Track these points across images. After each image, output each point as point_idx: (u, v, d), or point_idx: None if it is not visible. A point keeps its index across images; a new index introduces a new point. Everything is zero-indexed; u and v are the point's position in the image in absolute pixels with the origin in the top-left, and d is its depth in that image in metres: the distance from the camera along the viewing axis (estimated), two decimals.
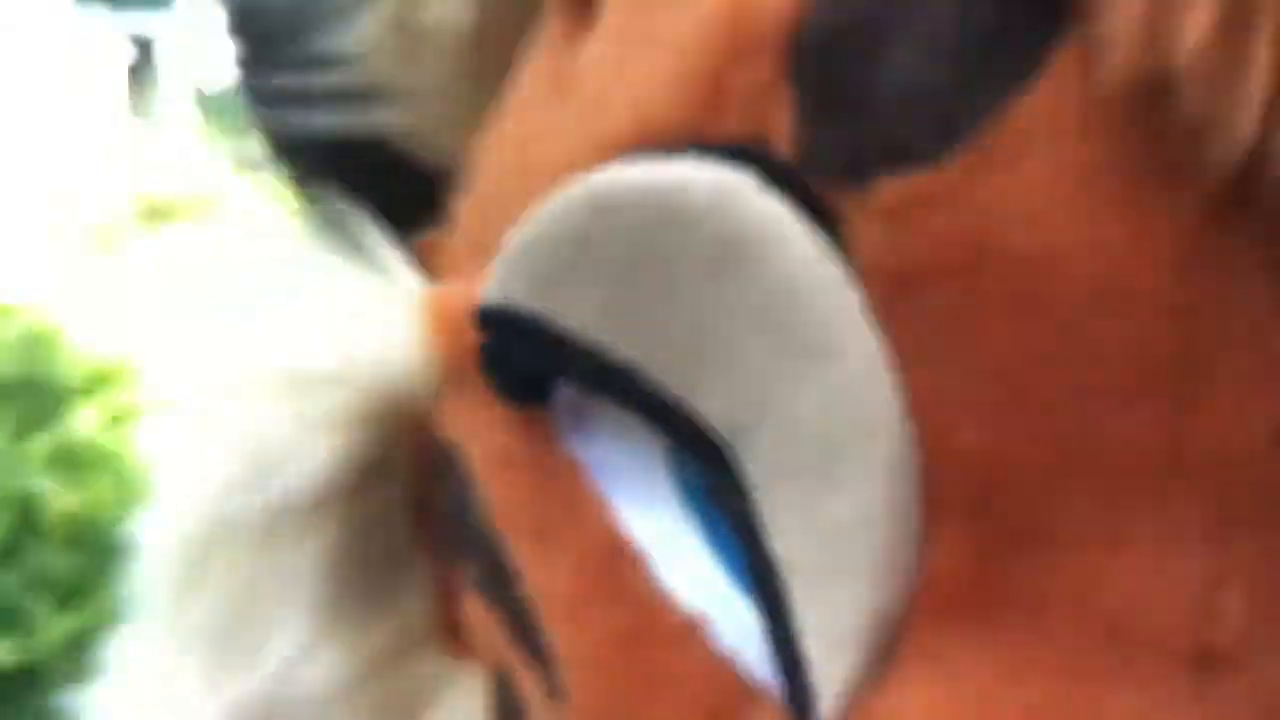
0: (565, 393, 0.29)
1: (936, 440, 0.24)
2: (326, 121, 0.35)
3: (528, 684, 0.30)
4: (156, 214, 14.97)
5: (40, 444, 3.79)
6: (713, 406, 0.25)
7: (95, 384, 4.38)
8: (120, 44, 18.48)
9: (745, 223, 0.24)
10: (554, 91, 0.30)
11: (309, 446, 0.32)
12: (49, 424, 3.84)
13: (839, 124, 0.25)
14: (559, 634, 0.28)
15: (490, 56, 0.33)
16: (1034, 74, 0.22)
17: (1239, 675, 0.22)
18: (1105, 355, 0.23)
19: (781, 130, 0.25)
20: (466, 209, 0.35)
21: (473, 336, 0.30)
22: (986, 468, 0.23)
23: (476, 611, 0.33)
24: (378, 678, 0.35)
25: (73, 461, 3.86)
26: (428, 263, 0.35)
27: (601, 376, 0.26)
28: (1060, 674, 0.23)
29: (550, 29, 0.31)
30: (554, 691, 0.29)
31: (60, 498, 3.95)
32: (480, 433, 0.31)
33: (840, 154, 0.25)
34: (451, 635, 0.35)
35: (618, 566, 0.27)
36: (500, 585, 0.30)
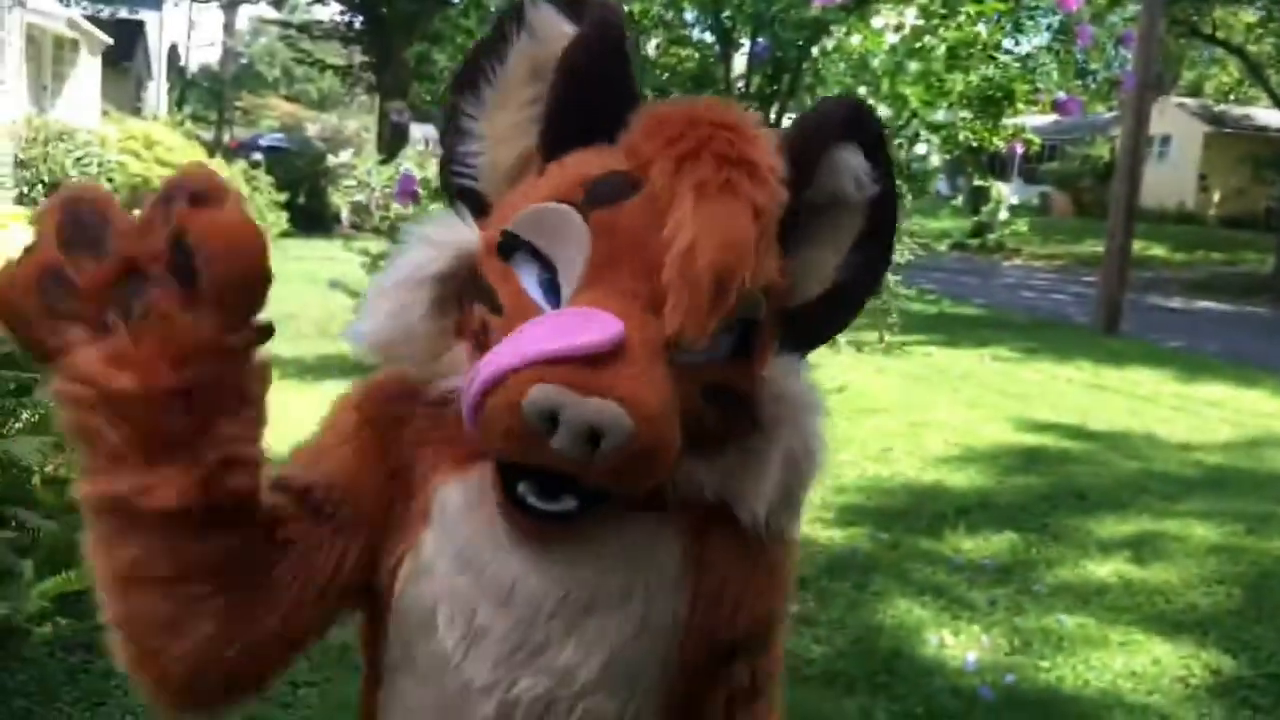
0: (518, 258, 1.00)
1: (596, 251, 0.97)
2: None
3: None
4: (139, 193, 14.70)
5: (26, 412, 3.74)
6: (556, 260, 0.99)
7: None
8: (99, 29, 18.18)
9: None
10: (528, 186, 1.05)
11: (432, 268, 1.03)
12: (35, 393, 3.78)
13: (600, 198, 0.99)
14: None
15: None
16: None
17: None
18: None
19: (578, 199, 0.99)
20: (497, 211, 1.06)
21: (494, 241, 1.02)
22: (604, 265, 0.97)
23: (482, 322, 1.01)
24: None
25: (58, 429, 3.82)
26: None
27: (543, 259, 0.99)
28: (620, 301, 0.93)
29: (528, 175, 1.06)
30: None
31: (45, 464, 3.91)
32: (489, 261, 1.02)
33: (601, 196, 0.99)
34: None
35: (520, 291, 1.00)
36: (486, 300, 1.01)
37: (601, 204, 0.97)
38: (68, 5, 17.75)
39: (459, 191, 1.10)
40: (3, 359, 3.67)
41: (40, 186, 12.20)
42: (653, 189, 0.96)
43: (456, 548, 1.00)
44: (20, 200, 10.84)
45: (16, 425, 3.72)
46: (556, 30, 1.05)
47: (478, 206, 1.07)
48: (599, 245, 0.96)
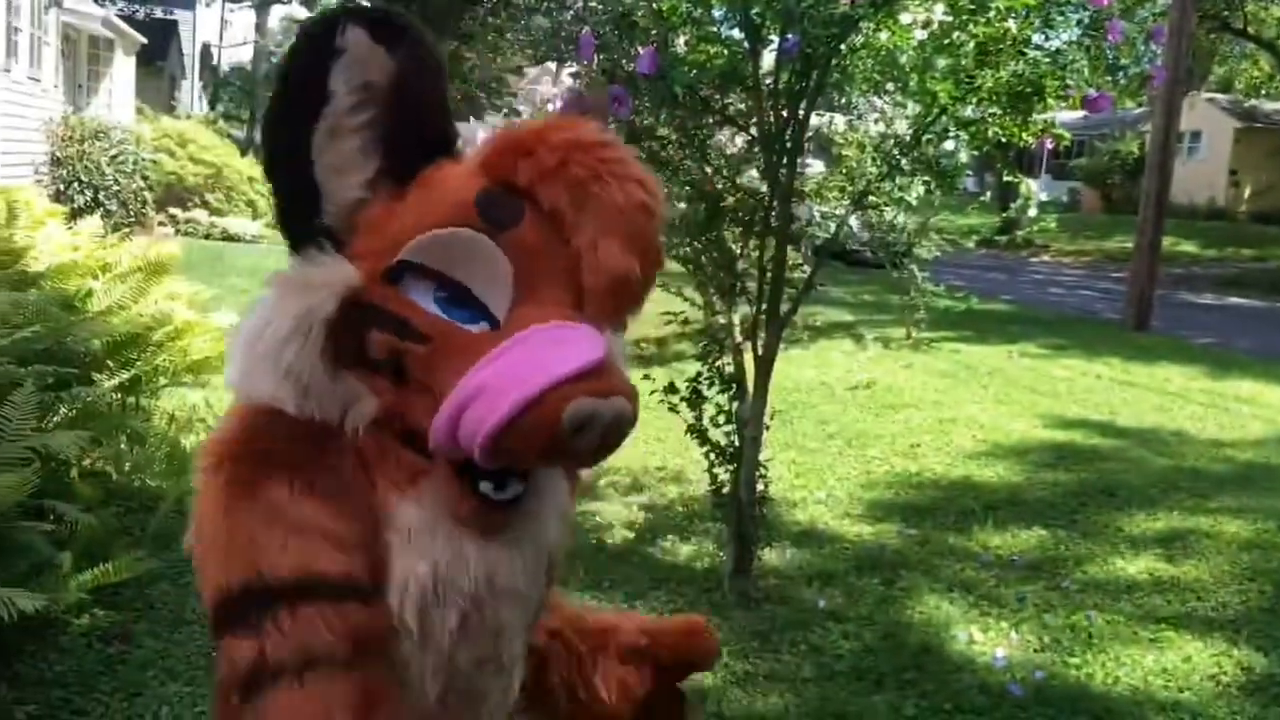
0: (407, 282, 1.08)
1: (518, 269, 1.08)
2: None
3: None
4: (174, 189, 14.80)
5: (65, 407, 3.78)
6: (467, 280, 1.07)
7: (117, 350, 4.38)
8: (134, 29, 18.32)
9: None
10: (390, 212, 1.10)
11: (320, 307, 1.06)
12: (73, 388, 3.82)
13: (503, 220, 1.09)
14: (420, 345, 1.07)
15: None
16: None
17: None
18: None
19: (478, 224, 1.08)
20: (364, 240, 1.10)
21: (385, 267, 1.08)
22: (528, 280, 1.08)
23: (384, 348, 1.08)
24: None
25: (95, 423, 3.86)
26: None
27: (444, 280, 1.07)
28: (557, 308, 1.06)
29: (379, 201, 1.11)
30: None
31: (83, 457, 3.94)
32: (381, 291, 1.07)
33: (502, 218, 1.08)
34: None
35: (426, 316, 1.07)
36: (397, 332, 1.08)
37: (505, 226, 1.08)
38: (103, 5, 17.89)
39: (315, 228, 1.10)
40: (41, 354, 3.71)
41: (76, 184, 12.31)
42: (551, 208, 1.08)
43: (430, 563, 1.09)
44: (57, 198, 10.93)
45: (55, 419, 3.76)
46: (372, 54, 1.08)
47: (330, 239, 1.10)
48: (520, 264, 1.08)
